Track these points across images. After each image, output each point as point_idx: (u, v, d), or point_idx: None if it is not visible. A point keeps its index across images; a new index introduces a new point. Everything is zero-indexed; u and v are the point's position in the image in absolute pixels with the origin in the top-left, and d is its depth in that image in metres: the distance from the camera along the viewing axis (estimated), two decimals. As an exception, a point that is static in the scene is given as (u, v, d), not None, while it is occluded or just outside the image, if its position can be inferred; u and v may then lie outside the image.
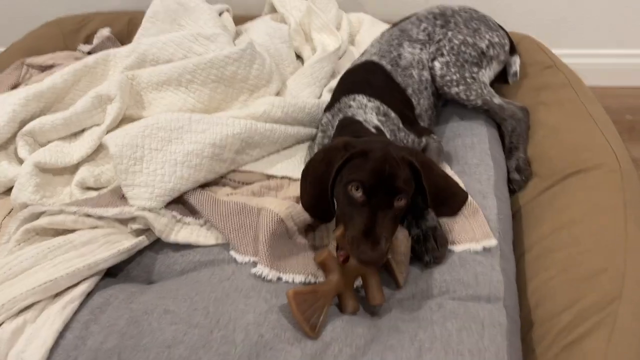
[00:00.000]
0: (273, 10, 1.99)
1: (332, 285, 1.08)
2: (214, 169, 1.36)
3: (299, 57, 1.82)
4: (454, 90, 1.54)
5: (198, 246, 1.26)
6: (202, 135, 1.35)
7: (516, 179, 1.49)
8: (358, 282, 1.18)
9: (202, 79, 1.53)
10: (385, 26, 1.89)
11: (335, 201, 1.15)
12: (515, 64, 1.75)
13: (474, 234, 1.22)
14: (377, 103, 1.37)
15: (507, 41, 1.68)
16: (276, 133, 1.47)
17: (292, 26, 1.81)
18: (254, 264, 1.17)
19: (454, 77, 1.53)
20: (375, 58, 1.55)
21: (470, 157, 1.48)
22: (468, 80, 1.54)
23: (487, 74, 1.63)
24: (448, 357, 0.96)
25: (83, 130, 1.51)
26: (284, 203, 1.24)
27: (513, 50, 1.75)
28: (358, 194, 1.07)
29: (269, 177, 1.45)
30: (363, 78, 1.48)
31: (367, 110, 1.36)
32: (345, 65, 1.67)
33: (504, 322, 1.05)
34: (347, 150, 1.12)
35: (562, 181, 1.41)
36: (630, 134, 2.27)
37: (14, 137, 1.47)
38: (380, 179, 1.06)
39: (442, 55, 1.55)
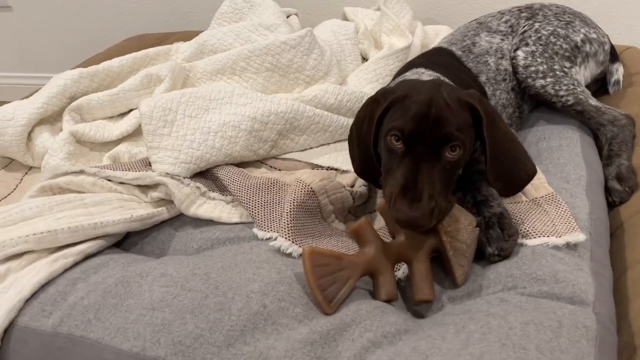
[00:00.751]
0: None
1: (365, 258, 0.86)
2: (252, 147, 1.22)
3: (365, 60, 1.68)
4: (540, 82, 1.31)
5: (220, 223, 1.10)
6: (242, 108, 1.23)
7: (617, 189, 1.20)
8: (401, 274, 0.95)
9: (257, 66, 1.43)
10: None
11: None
12: (618, 72, 1.49)
13: (554, 227, 0.95)
14: (437, 74, 1.18)
15: (607, 40, 1.44)
16: (327, 120, 1.31)
17: (361, 30, 1.70)
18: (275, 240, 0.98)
19: (540, 68, 1.31)
20: (444, 45, 1.38)
21: (557, 158, 1.22)
22: (558, 73, 1.31)
23: (582, 73, 1.38)
24: (505, 351, 0.69)
25: (130, 112, 1.45)
26: (319, 174, 1.06)
27: (614, 57, 1.50)
28: (397, 145, 0.87)
29: (314, 167, 1.28)
30: (426, 59, 1.30)
31: (422, 76, 1.17)
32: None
33: (593, 327, 0.76)
34: (387, 99, 0.94)
35: (678, 189, 1.11)
36: None
37: (62, 113, 1.43)
38: (424, 125, 0.86)
39: (526, 45, 1.35)
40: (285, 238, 0.96)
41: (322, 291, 0.79)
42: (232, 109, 1.22)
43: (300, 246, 0.95)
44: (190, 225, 1.12)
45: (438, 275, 0.94)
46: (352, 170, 1.10)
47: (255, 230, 1.03)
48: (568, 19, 1.40)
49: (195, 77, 1.51)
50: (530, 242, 0.94)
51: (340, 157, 1.30)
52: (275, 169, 1.27)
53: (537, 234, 0.95)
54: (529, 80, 1.32)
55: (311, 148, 1.34)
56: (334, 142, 1.36)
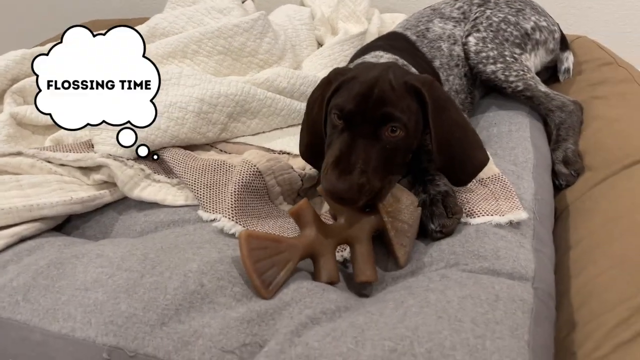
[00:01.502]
0: (304, 11, 1.88)
1: (305, 240, 0.85)
2: (200, 129, 1.19)
3: (321, 46, 1.67)
4: (490, 68, 1.32)
5: (165, 206, 1.07)
6: (190, 89, 1.20)
7: (563, 172, 1.21)
8: (346, 254, 0.94)
9: (209, 49, 1.40)
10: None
11: None
12: (568, 60, 1.52)
13: (498, 206, 0.96)
14: (395, 56, 1.18)
15: (557, 29, 1.47)
16: (279, 104, 1.30)
17: (318, 16, 1.68)
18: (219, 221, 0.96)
19: (491, 54, 1.32)
20: (399, 30, 1.38)
21: (506, 142, 1.23)
22: (508, 59, 1.32)
23: (532, 60, 1.40)
24: (440, 323, 0.68)
25: (77, 95, 1.39)
26: (266, 155, 1.04)
27: (565, 46, 1.53)
28: (339, 122, 0.87)
29: (267, 151, 1.26)
30: (382, 43, 1.30)
31: (381, 60, 1.16)
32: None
33: (529, 300, 0.77)
34: (337, 79, 0.93)
35: (621, 171, 1.14)
36: None
37: (4, 95, 1.37)
38: (365, 104, 0.86)
39: (478, 31, 1.35)
40: (229, 218, 0.94)
41: (260, 275, 0.77)
42: (180, 90, 1.19)
43: (244, 227, 0.94)
44: (134, 209, 1.09)
45: (382, 255, 0.94)
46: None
47: (200, 212, 1.01)
48: (519, 7, 1.42)
49: (146, 60, 1.46)
50: (474, 220, 0.94)
51: (293, 141, 1.28)
52: (226, 152, 1.25)
53: (481, 213, 0.95)
54: (480, 65, 1.33)
55: (264, 132, 1.32)
56: (287, 127, 1.35)
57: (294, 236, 0.88)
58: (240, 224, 0.94)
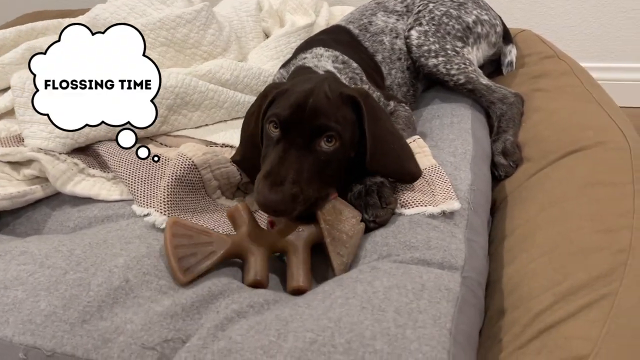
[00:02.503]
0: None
1: (235, 238, 0.84)
2: (138, 122, 1.16)
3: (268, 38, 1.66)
4: (432, 61, 1.33)
5: (99, 201, 1.04)
6: (126, 81, 1.17)
7: (502, 163, 1.24)
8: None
9: (150, 41, 1.37)
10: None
11: None
12: (511, 53, 1.55)
13: (433, 197, 0.97)
14: (336, 53, 1.18)
15: (499, 22, 1.49)
16: (222, 96, 1.28)
17: (265, 8, 1.67)
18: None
19: (433, 48, 1.33)
20: (342, 23, 1.38)
21: (447, 134, 1.24)
22: (449, 52, 1.34)
23: (474, 54, 1.42)
24: (363, 313, 0.68)
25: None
26: (202, 148, 1.03)
27: (508, 39, 1.56)
28: (275, 132, 0.88)
29: (209, 144, 1.24)
30: (325, 37, 1.30)
31: (321, 59, 1.16)
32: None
33: (455, 289, 0.78)
34: (272, 92, 0.94)
35: (556, 161, 1.16)
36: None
37: None
38: (300, 115, 0.86)
39: (420, 24, 1.36)
40: (161, 213, 0.92)
41: (178, 260, 0.77)
42: (116, 83, 1.16)
43: (176, 221, 0.92)
44: (68, 204, 1.06)
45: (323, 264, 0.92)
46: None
47: (133, 206, 0.99)
48: (461, 1, 1.43)
49: (86, 52, 1.42)
50: (408, 211, 0.95)
51: (236, 134, 1.25)
52: (166, 145, 1.22)
53: (415, 204, 0.96)
54: (422, 59, 1.34)
55: (207, 125, 1.30)
56: (231, 119, 1.33)
57: (227, 233, 0.87)
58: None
